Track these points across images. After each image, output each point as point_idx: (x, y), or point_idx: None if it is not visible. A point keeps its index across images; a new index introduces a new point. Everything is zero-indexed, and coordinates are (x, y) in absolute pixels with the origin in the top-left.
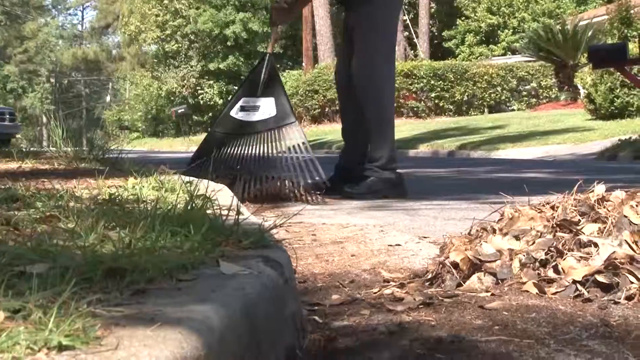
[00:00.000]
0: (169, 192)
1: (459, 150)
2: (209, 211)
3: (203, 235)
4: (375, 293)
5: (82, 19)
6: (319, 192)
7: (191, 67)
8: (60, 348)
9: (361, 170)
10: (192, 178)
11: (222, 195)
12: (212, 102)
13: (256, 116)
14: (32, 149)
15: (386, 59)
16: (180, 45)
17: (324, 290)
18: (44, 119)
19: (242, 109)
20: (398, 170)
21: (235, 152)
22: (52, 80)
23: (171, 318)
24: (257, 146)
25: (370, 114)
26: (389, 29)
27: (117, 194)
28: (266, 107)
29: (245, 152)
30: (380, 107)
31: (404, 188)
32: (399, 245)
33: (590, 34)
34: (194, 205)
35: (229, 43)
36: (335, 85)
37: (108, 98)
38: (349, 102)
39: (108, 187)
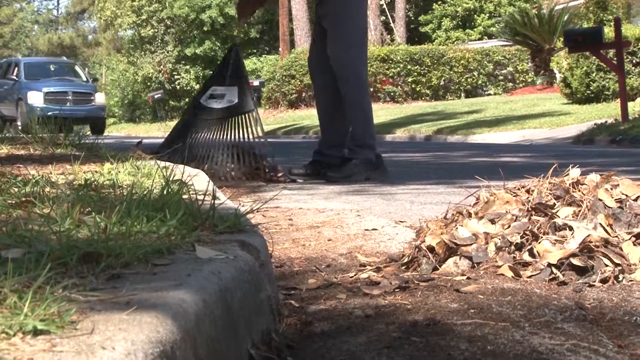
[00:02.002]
0: (145, 177)
1: (435, 134)
2: (185, 196)
3: (179, 220)
4: (351, 277)
5: (58, 4)
6: (283, 175)
7: (167, 52)
8: (36, 332)
9: (341, 153)
10: (168, 163)
11: (198, 180)
12: (188, 87)
13: (222, 104)
14: (7, 134)
15: (360, 43)
16: (156, 30)
17: (301, 274)
18: None
19: (211, 97)
20: (377, 152)
21: (206, 136)
22: None
23: (147, 302)
24: (225, 131)
25: (349, 98)
26: (361, 14)
27: (93, 179)
28: (230, 96)
29: (215, 136)
30: (358, 90)
31: (384, 167)
32: (376, 229)
33: (566, 18)
34: (170, 190)
35: (205, 28)
36: (309, 72)
37: None
38: (323, 88)
39: (84, 173)
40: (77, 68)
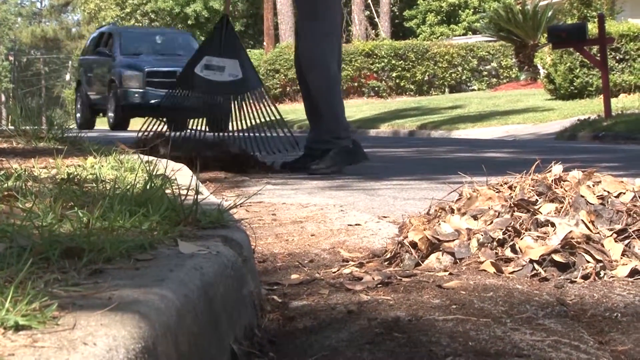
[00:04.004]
0: (128, 171)
1: (419, 130)
2: (168, 191)
3: (162, 215)
4: (334, 273)
5: None
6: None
7: None
8: (17, 328)
9: (322, 145)
10: (151, 157)
11: (181, 175)
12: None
13: (223, 77)
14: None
15: (330, 38)
16: (140, 23)
17: (283, 269)
18: (3, 98)
19: (207, 67)
20: (353, 138)
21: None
22: (11, 58)
23: (129, 298)
24: (229, 105)
25: (318, 92)
26: (333, 9)
27: (75, 173)
28: (232, 69)
29: (217, 108)
30: (328, 82)
31: (363, 153)
32: (359, 225)
33: (550, 14)
34: (153, 184)
35: (189, 22)
36: (295, 68)
37: (67, 76)
38: (306, 84)
39: (67, 167)
40: (192, 41)
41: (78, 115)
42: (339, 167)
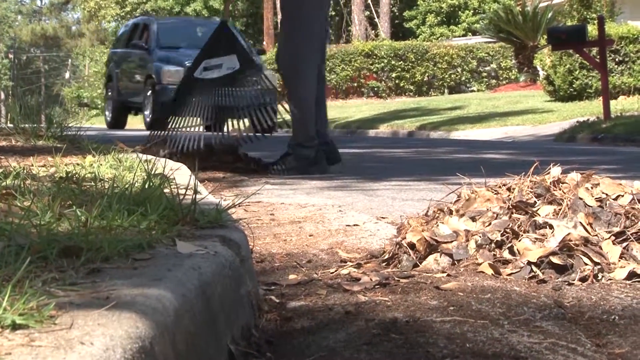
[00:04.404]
0: (126, 170)
1: (418, 130)
2: (166, 190)
3: (160, 215)
4: (332, 273)
5: None
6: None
7: None
8: (14, 327)
9: (288, 148)
10: (150, 156)
11: (180, 174)
12: None
13: (221, 72)
14: None
15: (309, 42)
16: None
17: (281, 270)
18: (2, 96)
19: (205, 69)
20: (318, 148)
21: (210, 103)
22: (11, 56)
23: (126, 297)
24: (228, 96)
25: (291, 92)
26: (315, 12)
27: (74, 172)
28: (229, 63)
29: (220, 102)
30: (300, 86)
31: (323, 166)
32: (357, 225)
33: (550, 15)
34: (151, 184)
35: None
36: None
37: (67, 75)
38: None
39: (65, 165)
40: (236, 32)
41: (107, 113)
42: (295, 172)
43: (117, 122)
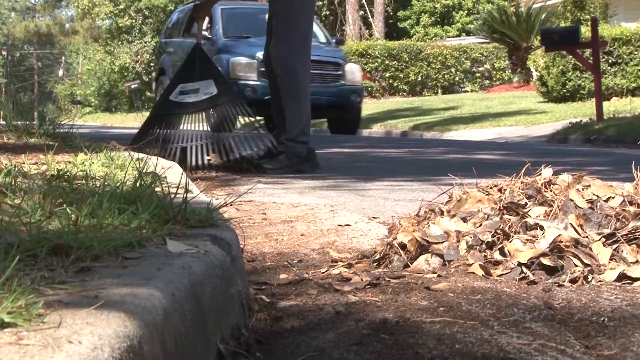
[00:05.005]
0: (118, 168)
1: (412, 130)
2: (157, 189)
3: (151, 213)
4: (323, 273)
5: None
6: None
7: (145, 42)
8: (2, 325)
9: (280, 146)
10: (142, 155)
11: (172, 173)
12: None
13: (198, 97)
14: None
15: (301, 42)
16: (134, 20)
17: (272, 269)
18: None
19: (182, 92)
20: (310, 146)
21: (183, 127)
22: (4, 53)
23: (115, 296)
24: (203, 121)
25: (285, 94)
26: (305, 13)
27: (65, 170)
28: (207, 88)
29: (193, 126)
30: (293, 85)
31: (315, 162)
32: (349, 225)
33: (543, 16)
34: (142, 182)
35: None
36: (264, 68)
37: (61, 72)
38: (275, 84)
39: (57, 163)
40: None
41: None
42: (288, 170)
43: None
